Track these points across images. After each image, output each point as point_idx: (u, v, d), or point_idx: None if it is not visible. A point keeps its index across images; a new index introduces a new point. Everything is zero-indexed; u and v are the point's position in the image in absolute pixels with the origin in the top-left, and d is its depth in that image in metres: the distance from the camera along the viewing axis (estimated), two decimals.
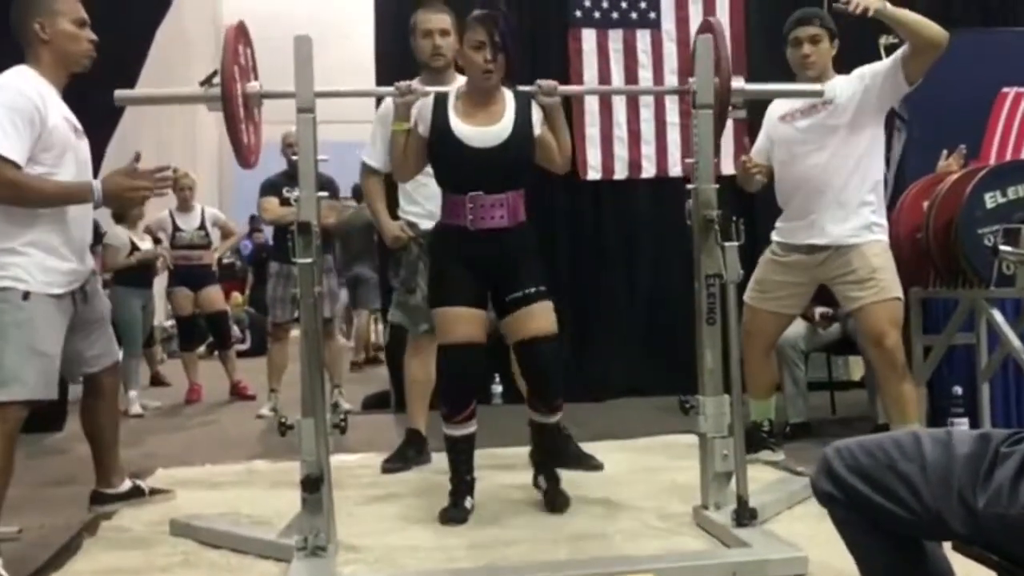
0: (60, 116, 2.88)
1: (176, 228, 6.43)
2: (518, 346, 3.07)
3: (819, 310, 4.52)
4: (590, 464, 3.66)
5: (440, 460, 3.76)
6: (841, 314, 4.44)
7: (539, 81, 3.03)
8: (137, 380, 6.09)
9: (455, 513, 3.01)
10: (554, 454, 3.21)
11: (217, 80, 2.71)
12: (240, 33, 2.78)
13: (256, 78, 2.89)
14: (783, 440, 4.01)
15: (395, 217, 3.81)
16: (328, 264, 5.63)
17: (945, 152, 4.19)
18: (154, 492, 3.41)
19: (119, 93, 2.91)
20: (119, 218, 5.94)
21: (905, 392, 3.44)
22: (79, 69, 2.99)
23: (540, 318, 3.03)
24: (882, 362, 3.46)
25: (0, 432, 2.70)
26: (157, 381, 7.23)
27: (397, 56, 5.38)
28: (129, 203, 2.99)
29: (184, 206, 6.48)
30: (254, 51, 2.90)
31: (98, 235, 5.70)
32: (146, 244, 6.18)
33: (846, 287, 3.51)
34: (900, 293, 3.49)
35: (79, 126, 3.01)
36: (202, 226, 6.50)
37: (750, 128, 5.19)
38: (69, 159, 2.89)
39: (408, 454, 3.80)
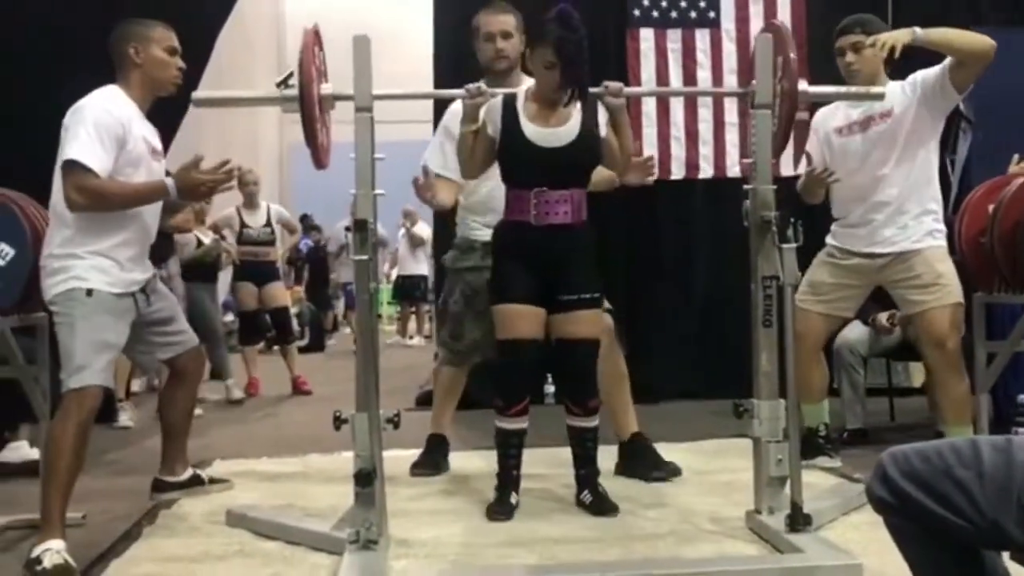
0: (141, 137, 3.02)
1: (243, 225, 6.54)
2: (558, 343, 3.11)
3: (883, 315, 4.43)
4: (667, 469, 3.52)
5: (463, 462, 3.80)
6: (903, 319, 4.35)
7: (606, 83, 3.02)
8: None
9: (501, 508, 3.03)
10: (593, 463, 3.14)
11: (293, 81, 2.74)
12: (316, 36, 2.79)
13: (327, 80, 2.88)
14: (840, 446, 3.96)
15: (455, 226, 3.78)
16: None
17: (1016, 156, 4.09)
18: (213, 481, 3.49)
19: (197, 95, 3.02)
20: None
21: (964, 394, 3.46)
22: (165, 94, 3.13)
23: (586, 324, 3.08)
24: (942, 364, 3.45)
25: (76, 419, 2.80)
26: (216, 375, 7.36)
27: (456, 59, 5.42)
28: (201, 196, 3.14)
29: (250, 203, 6.59)
30: (324, 54, 2.92)
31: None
32: (208, 240, 6.30)
33: (908, 291, 3.49)
34: (962, 298, 3.49)
35: (158, 147, 3.14)
36: (268, 223, 6.61)
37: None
38: (143, 177, 3.01)
39: (437, 459, 3.79)
